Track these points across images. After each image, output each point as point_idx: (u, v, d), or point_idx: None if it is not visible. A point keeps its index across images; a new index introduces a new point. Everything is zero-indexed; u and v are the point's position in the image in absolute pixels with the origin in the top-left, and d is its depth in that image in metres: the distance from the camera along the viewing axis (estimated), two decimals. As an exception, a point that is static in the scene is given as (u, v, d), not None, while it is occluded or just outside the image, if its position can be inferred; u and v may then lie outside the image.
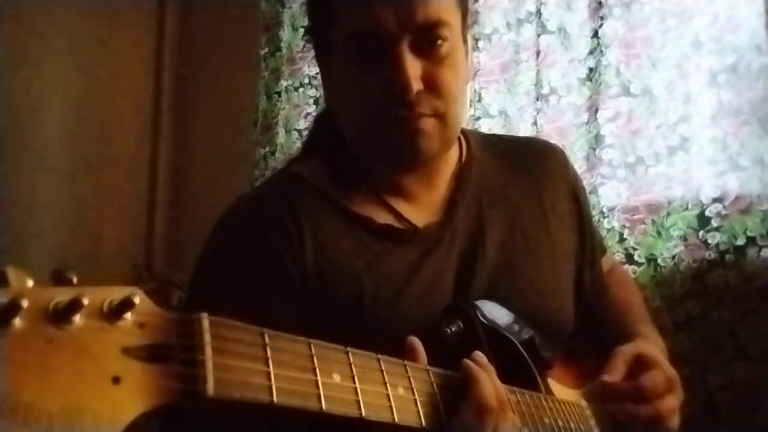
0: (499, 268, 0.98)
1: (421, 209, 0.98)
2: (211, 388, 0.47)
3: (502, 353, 0.84)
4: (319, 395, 0.56)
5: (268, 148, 2.75)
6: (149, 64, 3.11)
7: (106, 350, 0.43)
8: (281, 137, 2.72)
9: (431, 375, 0.70)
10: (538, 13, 2.21)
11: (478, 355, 0.75)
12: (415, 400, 0.66)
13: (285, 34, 2.78)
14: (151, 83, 3.11)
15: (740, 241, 1.83)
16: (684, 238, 1.89)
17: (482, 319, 0.87)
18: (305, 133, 2.55)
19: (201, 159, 3.09)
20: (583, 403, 0.98)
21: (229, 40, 3.03)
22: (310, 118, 2.63)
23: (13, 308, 0.40)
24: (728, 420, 1.73)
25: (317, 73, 1.03)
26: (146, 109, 3.10)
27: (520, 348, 0.90)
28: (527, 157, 1.10)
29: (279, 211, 0.92)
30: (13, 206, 2.53)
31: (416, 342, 0.72)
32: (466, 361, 0.73)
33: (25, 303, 0.40)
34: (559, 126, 2.15)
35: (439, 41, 0.88)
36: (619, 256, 1.94)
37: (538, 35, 2.20)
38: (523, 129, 2.22)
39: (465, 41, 0.96)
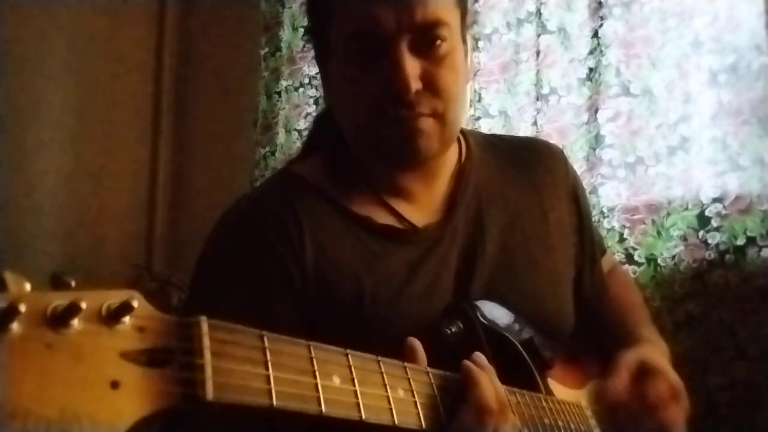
0: (498, 268, 0.98)
1: (420, 209, 0.98)
2: (210, 392, 0.47)
3: (501, 353, 0.84)
4: (318, 398, 0.56)
5: (268, 148, 2.75)
6: (149, 64, 3.11)
7: (104, 355, 0.43)
8: (281, 137, 2.72)
9: (431, 377, 0.70)
10: (538, 13, 2.21)
11: (478, 356, 0.75)
12: (415, 402, 0.66)
13: (285, 34, 2.78)
14: (151, 83, 3.11)
15: (740, 241, 1.82)
16: (684, 238, 1.89)
17: (482, 319, 0.87)
18: (305, 133, 2.55)
19: (201, 159, 3.08)
20: (583, 403, 0.98)
21: (229, 40, 3.03)
22: (310, 118, 2.63)
23: (11, 313, 0.40)
24: (728, 420, 1.73)
25: (317, 73, 1.03)
26: (146, 109, 3.10)
27: (520, 348, 0.90)
28: (527, 157, 1.10)
29: (279, 211, 0.92)
30: (13, 206, 2.53)
31: (416, 343, 0.72)
32: (466, 362, 0.73)
33: (23, 307, 0.40)
34: (559, 126, 2.14)
35: (438, 41, 0.88)
36: (619, 256, 1.94)
37: (538, 35, 2.20)
38: (523, 129, 2.22)
39: (464, 41, 0.96)
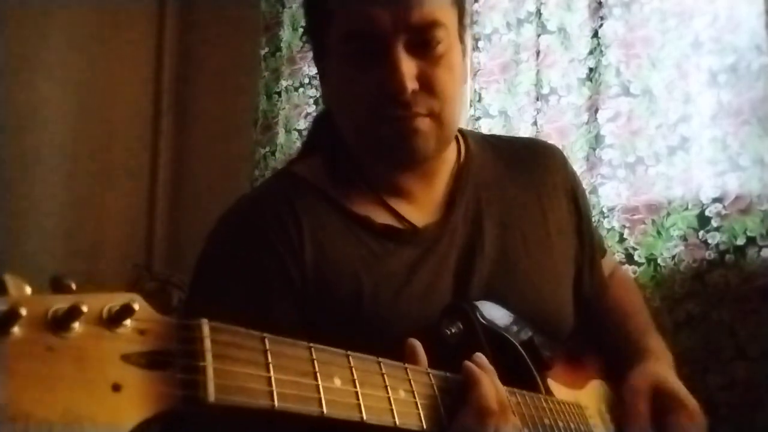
0: (497, 268, 0.98)
1: (420, 209, 0.98)
2: (212, 394, 0.47)
3: (501, 354, 0.84)
4: (320, 399, 0.56)
5: (268, 148, 2.75)
6: (149, 64, 3.11)
7: (105, 357, 0.43)
8: (281, 137, 2.73)
9: (432, 378, 0.70)
10: (538, 13, 2.21)
11: (479, 356, 0.75)
12: (416, 403, 0.66)
13: (285, 34, 2.78)
14: (151, 83, 3.11)
15: (740, 241, 1.82)
16: (684, 238, 1.89)
17: (482, 319, 0.87)
18: (305, 133, 2.54)
19: (201, 159, 3.09)
20: (583, 403, 0.98)
21: (229, 40, 3.03)
22: (310, 118, 2.63)
23: (12, 316, 0.40)
24: (728, 420, 1.73)
25: (317, 73, 1.03)
26: (146, 109, 3.10)
27: (520, 349, 0.90)
28: (526, 157, 1.10)
29: (279, 211, 0.92)
30: (13, 207, 2.53)
31: (417, 344, 0.73)
32: (467, 363, 0.73)
33: (24, 311, 0.40)
34: (559, 126, 2.14)
35: (434, 42, 0.89)
36: (619, 256, 1.94)
37: (538, 35, 2.20)
38: (523, 129, 2.22)
39: (461, 41, 0.96)
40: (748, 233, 1.82)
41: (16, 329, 0.40)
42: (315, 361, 0.57)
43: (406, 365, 0.68)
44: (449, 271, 0.95)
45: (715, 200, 1.87)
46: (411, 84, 0.87)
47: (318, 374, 0.57)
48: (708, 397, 1.75)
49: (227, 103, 3.02)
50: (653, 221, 1.95)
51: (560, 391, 0.95)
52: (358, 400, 0.60)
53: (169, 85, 3.13)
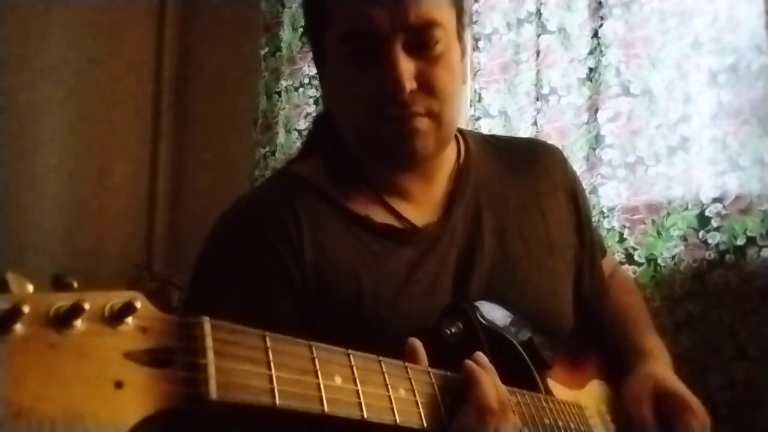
0: (497, 268, 0.98)
1: (419, 209, 0.98)
2: (213, 391, 0.47)
3: (501, 354, 0.84)
4: (320, 397, 0.56)
5: (268, 148, 2.75)
6: (149, 64, 3.11)
7: (107, 355, 0.43)
8: (281, 137, 2.73)
9: (432, 376, 0.70)
10: (538, 13, 2.21)
11: (480, 356, 0.76)
12: (417, 401, 0.66)
13: (285, 34, 2.78)
14: (151, 83, 3.11)
15: (740, 241, 1.82)
16: (684, 238, 1.89)
17: (481, 319, 0.87)
18: (305, 133, 2.55)
19: (201, 159, 3.09)
20: (583, 403, 0.98)
21: (229, 40, 3.03)
22: (310, 118, 2.63)
23: (14, 314, 0.40)
24: (728, 420, 1.73)
25: (317, 73, 1.03)
26: (146, 109, 3.10)
27: (520, 348, 0.90)
28: (526, 157, 1.10)
29: (279, 211, 0.92)
30: (13, 206, 2.53)
31: (417, 344, 0.73)
32: (468, 362, 0.73)
33: (26, 308, 0.40)
34: (559, 126, 2.15)
35: (433, 41, 0.89)
36: (619, 256, 1.94)
37: (538, 35, 2.20)
38: (523, 129, 2.22)
39: (460, 41, 0.96)
40: (748, 233, 1.82)
41: (18, 326, 0.40)
42: (316, 360, 0.58)
43: (407, 364, 0.68)
44: (449, 270, 0.95)
45: (715, 200, 1.87)
46: (409, 84, 0.87)
47: (319, 372, 0.57)
48: (708, 397, 1.74)
49: (227, 103, 3.02)
50: (653, 221, 1.95)
51: (560, 391, 0.95)
52: (359, 398, 0.60)
53: (169, 85, 3.13)
